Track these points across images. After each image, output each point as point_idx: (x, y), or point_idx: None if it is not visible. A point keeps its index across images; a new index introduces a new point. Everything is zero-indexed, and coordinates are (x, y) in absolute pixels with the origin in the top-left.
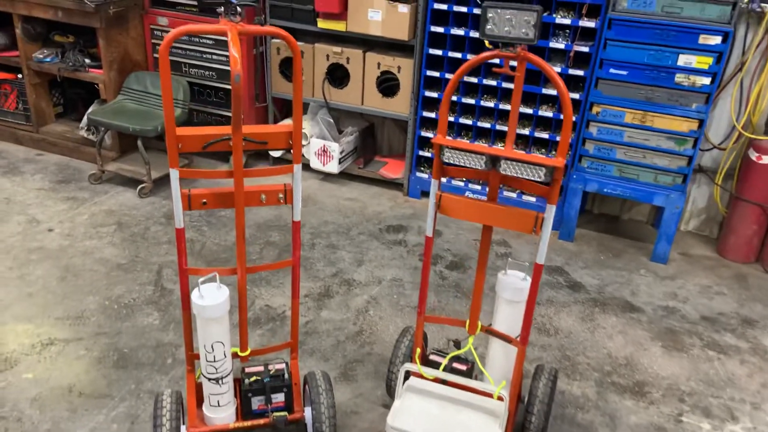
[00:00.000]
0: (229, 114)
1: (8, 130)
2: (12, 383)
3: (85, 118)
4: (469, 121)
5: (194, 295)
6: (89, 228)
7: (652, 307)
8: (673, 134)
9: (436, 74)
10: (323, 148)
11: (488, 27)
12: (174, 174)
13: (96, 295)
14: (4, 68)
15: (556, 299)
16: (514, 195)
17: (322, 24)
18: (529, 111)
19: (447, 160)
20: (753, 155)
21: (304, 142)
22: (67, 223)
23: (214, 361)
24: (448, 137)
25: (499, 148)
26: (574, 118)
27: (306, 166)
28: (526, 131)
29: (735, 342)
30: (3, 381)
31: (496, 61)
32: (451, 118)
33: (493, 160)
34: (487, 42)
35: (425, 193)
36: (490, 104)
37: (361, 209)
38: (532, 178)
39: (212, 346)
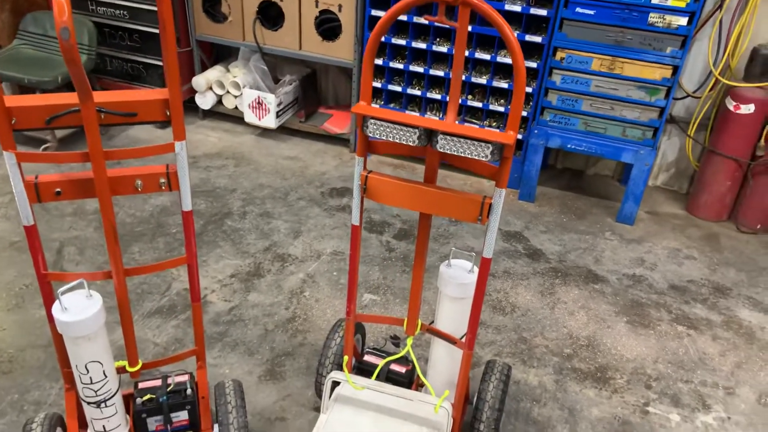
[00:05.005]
0: (150, 60)
1: None
2: None
3: None
4: (417, 92)
5: (55, 309)
6: None
7: (617, 276)
8: (644, 83)
9: (383, 14)
10: (258, 99)
11: None
12: (10, 159)
13: None
14: None
15: (514, 271)
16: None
17: None
18: (483, 81)
19: (371, 134)
20: (730, 104)
21: (236, 93)
22: None
23: (91, 383)
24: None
25: (435, 120)
26: (535, 65)
27: (240, 121)
28: (478, 104)
29: (706, 314)
30: None
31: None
32: (398, 88)
33: (429, 135)
34: None
35: None
36: (440, 73)
37: (302, 170)
38: (476, 157)
39: (86, 367)
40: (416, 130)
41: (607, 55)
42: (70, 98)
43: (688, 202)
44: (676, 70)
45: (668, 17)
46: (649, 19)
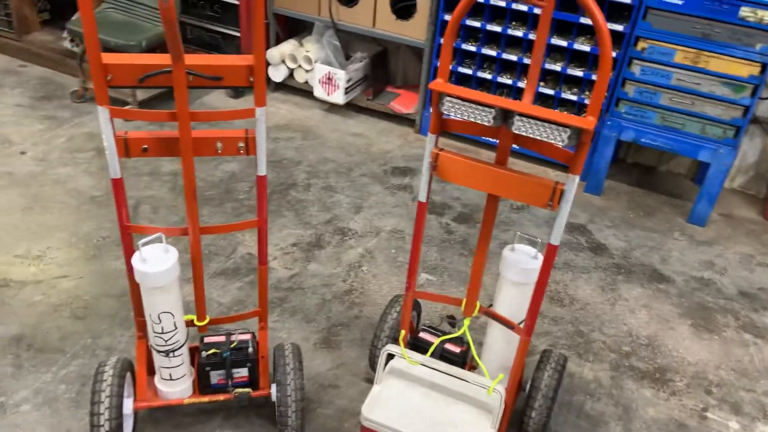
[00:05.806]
0: (228, 30)
1: None
2: None
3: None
4: (488, 76)
5: (135, 260)
6: (65, 153)
7: (684, 277)
8: (730, 79)
9: None
10: (328, 75)
11: None
12: (103, 113)
13: (63, 231)
14: None
15: (575, 263)
16: None
17: None
18: (557, 68)
19: (446, 112)
20: None
21: (307, 67)
22: (42, 146)
23: (162, 332)
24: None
25: (512, 101)
26: (614, 54)
27: (309, 95)
28: (550, 91)
29: None
30: None
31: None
32: (469, 71)
33: (505, 116)
34: None
35: None
36: (513, 57)
37: (367, 147)
38: (553, 141)
39: (159, 317)
40: (492, 110)
41: (692, 47)
42: (162, 59)
43: (766, 208)
44: (765, 67)
45: (761, 12)
46: (740, 12)
